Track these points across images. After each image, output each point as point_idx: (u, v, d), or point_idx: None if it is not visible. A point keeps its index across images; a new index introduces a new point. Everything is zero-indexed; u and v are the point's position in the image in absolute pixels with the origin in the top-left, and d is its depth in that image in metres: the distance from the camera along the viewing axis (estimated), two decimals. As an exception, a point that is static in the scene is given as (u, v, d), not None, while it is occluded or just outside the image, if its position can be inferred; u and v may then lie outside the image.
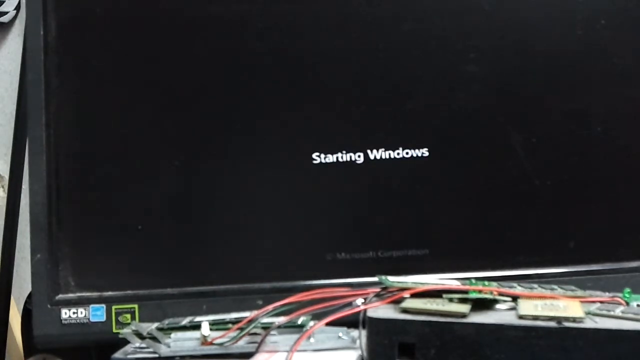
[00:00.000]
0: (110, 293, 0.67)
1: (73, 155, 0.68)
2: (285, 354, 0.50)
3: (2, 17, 1.12)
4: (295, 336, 0.50)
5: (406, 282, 0.50)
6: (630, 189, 0.66)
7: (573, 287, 0.53)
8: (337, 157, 0.66)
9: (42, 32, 0.68)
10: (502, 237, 0.66)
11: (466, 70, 0.66)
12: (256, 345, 0.51)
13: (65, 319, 0.66)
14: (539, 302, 0.47)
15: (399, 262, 0.65)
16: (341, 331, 0.52)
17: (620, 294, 0.50)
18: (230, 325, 0.52)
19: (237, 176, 0.67)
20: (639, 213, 0.65)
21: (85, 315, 0.66)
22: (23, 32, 1.10)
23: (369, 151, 0.66)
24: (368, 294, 0.49)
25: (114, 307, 0.66)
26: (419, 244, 0.66)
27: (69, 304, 0.66)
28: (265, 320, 0.52)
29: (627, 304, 0.49)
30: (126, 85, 0.68)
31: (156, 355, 0.53)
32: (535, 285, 0.51)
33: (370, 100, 0.67)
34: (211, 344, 0.52)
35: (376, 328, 0.45)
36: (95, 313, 0.66)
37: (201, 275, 0.67)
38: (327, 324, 0.49)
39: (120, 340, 0.56)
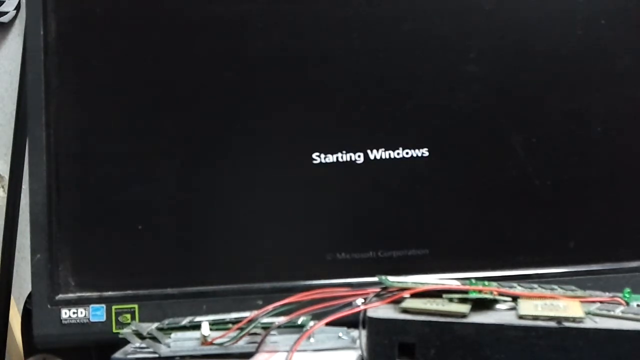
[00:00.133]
0: (110, 293, 0.67)
1: (73, 155, 0.68)
2: (285, 354, 0.50)
3: (2, 17, 1.12)
4: (295, 336, 0.50)
5: (406, 282, 0.49)
6: (630, 189, 0.66)
7: (573, 287, 0.53)
8: (337, 157, 0.66)
9: (42, 32, 0.68)
10: (502, 237, 0.66)
11: (466, 70, 0.66)
12: (256, 345, 0.51)
13: (65, 319, 0.66)
14: (539, 302, 0.47)
15: (399, 262, 0.65)
16: (341, 331, 0.52)
17: (620, 294, 0.50)
18: (230, 325, 0.52)
19: (237, 176, 0.67)
20: (639, 213, 0.65)
21: (85, 315, 0.66)
22: (23, 32, 1.10)
23: (369, 151, 0.66)
24: (368, 294, 0.49)
25: (114, 307, 0.66)
26: (419, 244, 0.66)
27: (69, 304, 0.66)
28: (265, 320, 0.52)
29: (627, 304, 0.49)
30: (126, 85, 0.68)
31: (156, 355, 0.53)
32: (535, 285, 0.51)
33: (370, 100, 0.67)
34: (211, 344, 0.52)
35: (376, 328, 0.45)
36: (95, 313, 0.66)
37: (201, 275, 0.67)
38: (327, 324, 0.49)
39: (120, 340, 0.56)
